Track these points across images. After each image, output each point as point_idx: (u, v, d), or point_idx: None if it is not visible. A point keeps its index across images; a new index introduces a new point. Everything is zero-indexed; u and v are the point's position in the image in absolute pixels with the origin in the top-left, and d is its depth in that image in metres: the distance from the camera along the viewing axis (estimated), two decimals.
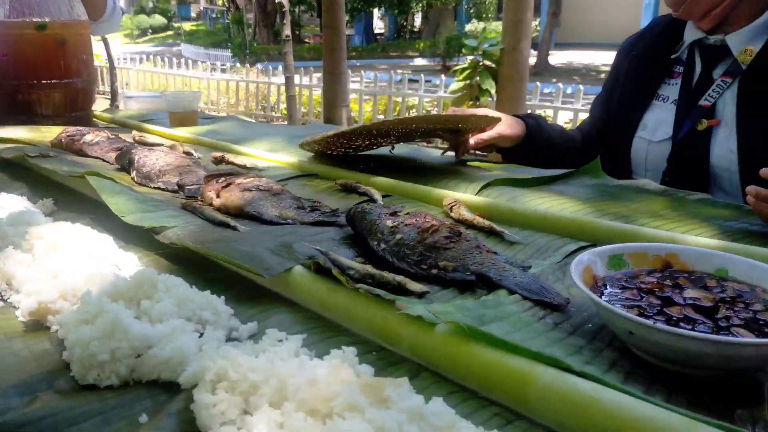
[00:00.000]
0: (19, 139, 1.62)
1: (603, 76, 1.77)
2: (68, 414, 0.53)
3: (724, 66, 1.28)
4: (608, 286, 0.67)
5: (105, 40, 2.99)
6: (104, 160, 1.47)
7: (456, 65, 5.93)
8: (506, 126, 1.41)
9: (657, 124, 1.38)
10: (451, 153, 1.43)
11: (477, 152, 1.47)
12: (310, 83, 7.47)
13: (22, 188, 1.25)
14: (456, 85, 5.54)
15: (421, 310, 0.62)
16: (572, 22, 20.79)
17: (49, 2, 1.77)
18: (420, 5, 22.02)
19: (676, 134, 1.33)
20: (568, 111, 5.40)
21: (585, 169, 1.28)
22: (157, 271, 0.71)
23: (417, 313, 0.62)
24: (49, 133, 1.68)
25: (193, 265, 0.86)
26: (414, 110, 6.71)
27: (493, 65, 5.20)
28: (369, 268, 0.74)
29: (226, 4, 27.54)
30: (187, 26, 32.67)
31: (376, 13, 25.34)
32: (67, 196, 1.19)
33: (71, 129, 1.60)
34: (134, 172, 1.28)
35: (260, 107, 8.13)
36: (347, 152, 1.31)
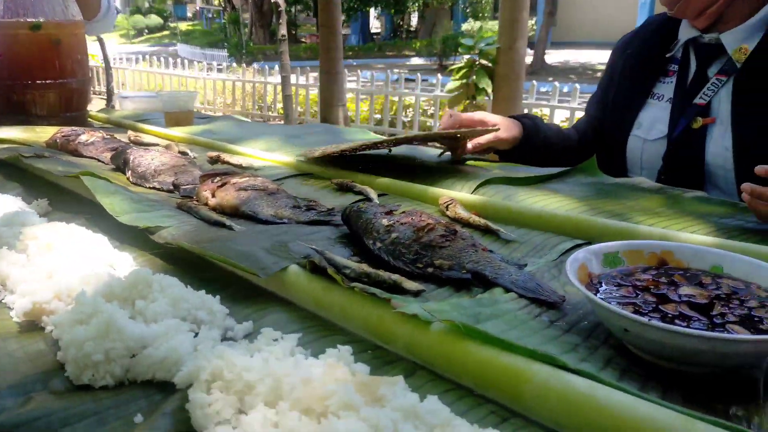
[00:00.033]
0: (14, 139, 1.61)
1: (599, 74, 1.77)
2: (63, 414, 0.53)
3: (718, 64, 1.28)
4: (603, 284, 0.67)
5: (101, 40, 2.98)
6: (99, 161, 1.46)
7: (452, 64, 5.92)
8: (503, 130, 1.41)
9: (652, 122, 1.38)
10: (448, 153, 1.43)
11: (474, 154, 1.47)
12: (307, 83, 7.46)
13: (16, 189, 1.24)
14: (452, 84, 5.53)
15: (416, 309, 0.62)
16: (568, 21, 20.81)
17: (43, 2, 1.77)
18: (416, 5, 22.00)
19: (672, 132, 1.33)
20: (564, 110, 5.40)
21: (581, 167, 1.28)
22: (151, 271, 0.71)
23: (412, 311, 0.62)
24: (44, 133, 1.67)
25: (189, 265, 0.86)
26: (411, 109, 6.70)
27: (490, 64, 5.19)
28: (365, 267, 0.74)
29: (222, 3, 27.50)
30: (184, 26, 32.61)
31: (373, 12, 25.33)
32: (62, 197, 1.19)
33: (66, 129, 1.60)
34: (129, 172, 1.28)
35: (257, 107, 8.12)
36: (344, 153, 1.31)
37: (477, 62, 5.29)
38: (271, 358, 0.55)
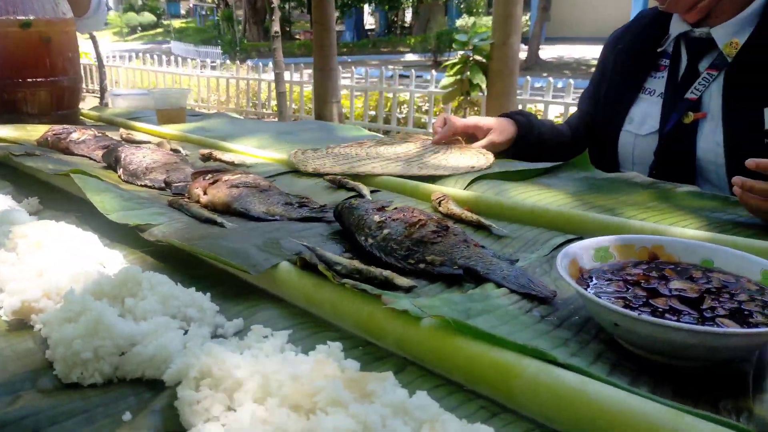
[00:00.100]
0: (5, 137, 1.61)
1: (594, 70, 1.78)
2: (51, 413, 0.53)
3: (709, 59, 1.28)
4: (594, 279, 0.67)
5: (93, 38, 2.97)
6: (91, 159, 1.45)
7: (447, 60, 5.91)
8: (497, 133, 1.42)
9: (643, 117, 1.38)
10: None
11: None
12: (301, 80, 7.44)
13: (7, 187, 1.23)
14: (447, 80, 5.52)
15: (406, 305, 0.62)
16: (562, 16, 20.83)
17: (33, 0, 1.76)
18: (410, 1, 21.99)
19: (663, 127, 1.33)
20: (558, 105, 5.41)
21: (573, 162, 1.28)
22: (141, 269, 0.71)
23: (403, 307, 0.62)
24: (35, 131, 1.66)
25: (180, 263, 0.85)
26: (405, 105, 6.69)
27: (484, 60, 5.19)
28: (356, 264, 0.74)
29: (215, 1, 27.40)
30: (177, 23, 32.50)
31: (367, 8, 25.28)
32: (53, 195, 1.18)
33: (57, 127, 1.59)
34: (121, 169, 1.28)
35: (251, 104, 8.10)
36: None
37: (471, 58, 5.29)
38: (261, 354, 0.54)
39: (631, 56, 1.45)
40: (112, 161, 1.33)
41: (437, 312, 0.60)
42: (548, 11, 15.05)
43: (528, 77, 5.74)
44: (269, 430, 0.45)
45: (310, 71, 6.52)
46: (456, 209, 1.00)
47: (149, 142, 1.57)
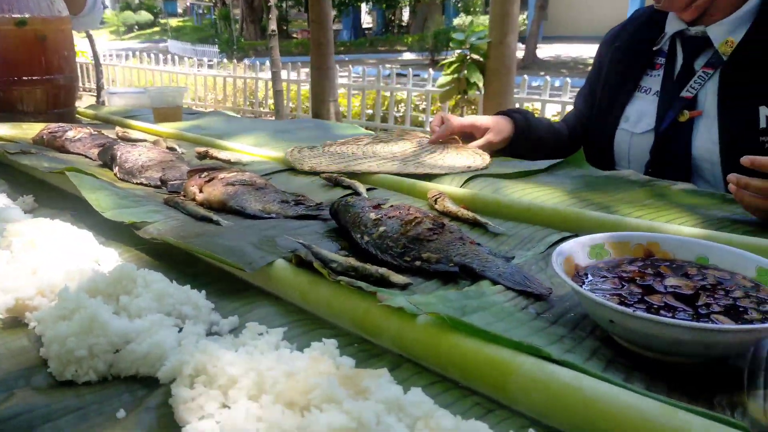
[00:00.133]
0: (0, 136, 1.60)
1: (590, 68, 1.78)
2: (45, 410, 0.52)
3: (705, 57, 1.29)
4: (590, 276, 0.67)
5: (90, 37, 2.97)
6: (87, 157, 1.45)
7: (444, 59, 5.91)
8: (494, 132, 1.42)
9: (639, 115, 1.38)
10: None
11: None
12: (298, 78, 7.43)
13: (2, 185, 1.23)
14: (444, 78, 5.52)
15: (402, 302, 0.62)
16: (560, 15, 20.83)
17: None
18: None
19: (659, 126, 1.33)
20: (555, 104, 5.41)
21: (569, 160, 1.28)
22: (136, 267, 0.70)
23: (398, 304, 0.62)
24: (30, 130, 1.66)
25: (176, 261, 0.85)
26: (402, 104, 6.69)
27: (481, 59, 5.19)
28: (352, 261, 0.74)
29: None
30: (174, 22, 32.43)
31: (364, 7, 25.27)
32: (48, 193, 1.18)
33: (53, 125, 1.59)
34: (117, 168, 1.27)
35: (248, 103, 8.09)
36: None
37: (468, 57, 5.29)
38: (256, 352, 0.54)
39: (627, 55, 1.45)
40: (107, 159, 1.33)
41: (433, 309, 0.60)
42: (545, 10, 15.04)
43: (525, 76, 5.73)
44: (264, 427, 0.45)
45: (307, 70, 6.51)
46: (452, 207, 1.00)
47: (145, 141, 1.56)
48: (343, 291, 0.68)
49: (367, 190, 1.15)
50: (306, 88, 7.07)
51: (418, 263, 0.78)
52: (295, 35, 23.88)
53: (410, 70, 6.55)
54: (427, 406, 0.46)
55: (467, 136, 1.48)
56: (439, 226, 0.82)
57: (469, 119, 1.47)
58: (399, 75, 6.79)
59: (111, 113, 2.12)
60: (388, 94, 6.68)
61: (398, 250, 0.80)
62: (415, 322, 0.61)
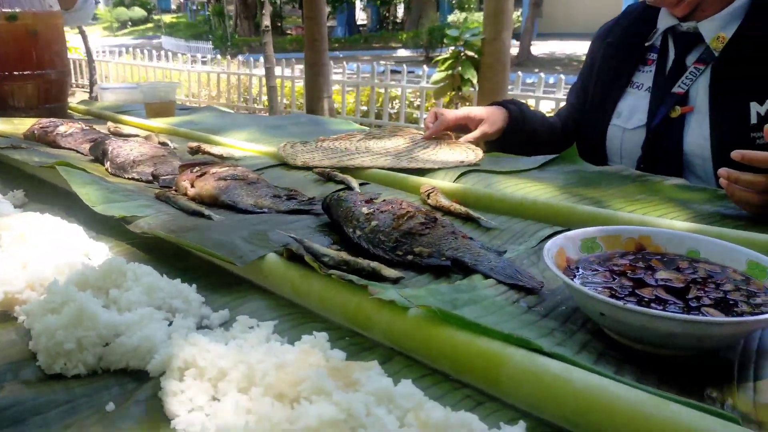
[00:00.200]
0: None
1: (583, 64, 1.78)
2: (33, 404, 0.52)
3: (697, 53, 1.29)
4: (581, 269, 0.67)
5: (83, 33, 2.95)
6: (78, 152, 1.44)
7: (438, 56, 5.91)
8: (489, 124, 1.42)
9: (631, 111, 1.38)
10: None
11: None
12: (292, 75, 7.41)
13: None
14: (438, 75, 5.53)
15: (393, 295, 0.62)
16: (554, 12, 20.86)
17: None
18: None
19: (651, 121, 1.33)
20: (549, 100, 5.42)
21: (562, 156, 1.29)
22: (126, 260, 0.70)
23: (389, 297, 0.61)
24: (22, 125, 1.65)
25: (166, 255, 0.85)
26: (397, 101, 6.69)
27: (475, 55, 5.20)
28: (344, 255, 0.74)
29: None
30: (168, 18, 32.30)
31: (359, 4, 25.23)
32: (39, 188, 1.17)
33: (44, 120, 1.58)
34: (108, 162, 1.26)
35: (242, 99, 8.06)
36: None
37: (462, 53, 5.29)
38: (246, 345, 0.54)
39: (619, 50, 1.45)
40: (99, 154, 1.32)
41: (424, 302, 0.60)
42: (540, 7, 15.07)
43: (519, 73, 5.74)
44: (253, 420, 0.45)
45: (301, 66, 6.50)
46: (444, 201, 1.00)
47: (137, 136, 1.56)
48: (334, 284, 0.68)
49: (360, 184, 1.15)
50: (300, 84, 7.05)
51: (410, 257, 0.78)
52: (289, 32, 23.83)
53: (405, 66, 6.55)
54: (417, 398, 0.46)
55: (462, 128, 1.48)
56: (431, 221, 0.82)
57: (464, 111, 1.47)
58: (393, 72, 6.78)
59: (103, 108, 2.11)
60: (382, 90, 6.68)
61: (390, 244, 0.80)
62: (406, 316, 0.61)
